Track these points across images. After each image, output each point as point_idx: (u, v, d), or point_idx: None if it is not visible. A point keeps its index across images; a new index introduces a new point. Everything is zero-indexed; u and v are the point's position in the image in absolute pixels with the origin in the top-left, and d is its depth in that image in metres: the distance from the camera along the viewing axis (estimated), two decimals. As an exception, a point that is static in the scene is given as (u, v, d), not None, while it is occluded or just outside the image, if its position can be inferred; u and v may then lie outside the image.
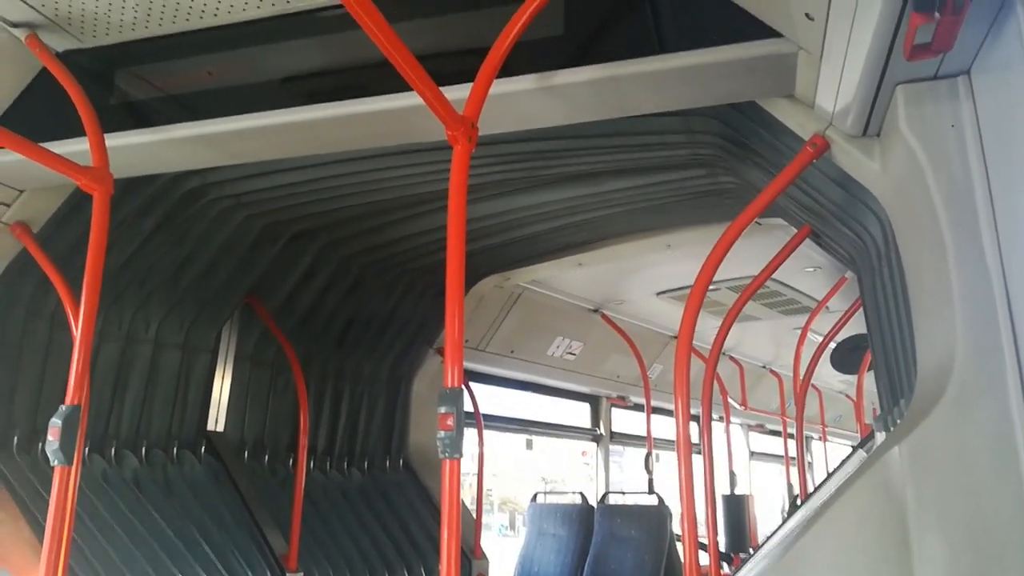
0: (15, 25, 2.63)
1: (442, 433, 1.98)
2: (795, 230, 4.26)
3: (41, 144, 2.57)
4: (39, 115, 2.81)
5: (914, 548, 1.69)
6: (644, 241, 4.52)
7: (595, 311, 6.25)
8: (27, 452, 3.24)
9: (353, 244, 4.25)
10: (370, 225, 4.07)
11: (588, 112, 2.45)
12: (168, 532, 3.44)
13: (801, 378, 6.12)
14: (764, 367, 9.20)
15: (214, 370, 4.11)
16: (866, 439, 2.95)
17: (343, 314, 4.58)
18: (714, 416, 9.71)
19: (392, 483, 4.96)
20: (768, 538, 3.39)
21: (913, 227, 1.98)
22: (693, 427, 9.34)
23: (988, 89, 1.77)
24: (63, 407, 2.48)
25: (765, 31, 2.04)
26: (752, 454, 10.37)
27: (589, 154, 3.32)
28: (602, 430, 7.53)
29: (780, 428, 10.27)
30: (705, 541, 3.12)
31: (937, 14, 1.46)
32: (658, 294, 5.90)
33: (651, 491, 6.12)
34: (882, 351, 2.60)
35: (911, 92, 1.86)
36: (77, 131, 2.60)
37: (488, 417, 5.97)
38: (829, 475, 3.05)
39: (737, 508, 6.99)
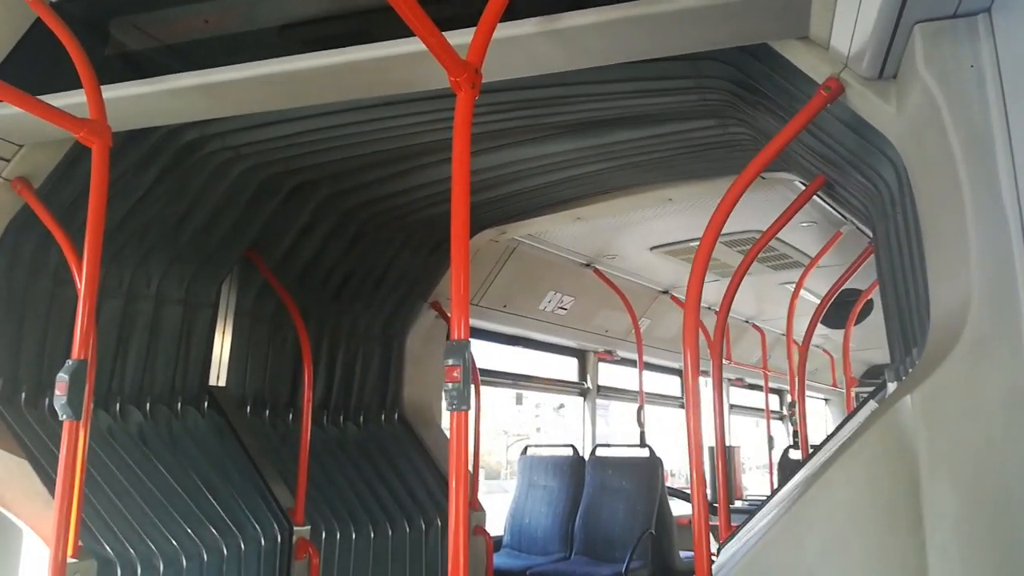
0: None
1: (449, 385, 1.94)
2: (800, 184, 4.25)
3: (38, 97, 2.51)
4: (35, 67, 2.76)
5: (925, 497, 1.70)
6: (645, 195, 4.47)
7: (587, 265, 6.23)
8: (35, 407, 3.22)
9: (353, 196, 4.18)
10: (371, 177, 4.00)
11: (594, 57, 2.40)
12: (176, 486, 3.44)
13: (793, 335, 6.19)
14: (747, 321, 9.29)
15: (215, 325, 4.07)
16: (879, 388, 2.97)
17: (341, 268, 4.53)
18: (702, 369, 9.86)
19: (388, 437, 4.95)
20: (777, 488, 3.44)
21: (929, 172, 1.95)
22: (677, 381, 9.45)
23: (1009, 28, 1.74)
24: (70, 362, 2.48)
25: None
26: (731, 407, 10.57)
27: (594, 101, 3.24)
28: (589, 384, 7.58)
29: (760, 382, 10.47)
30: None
31: None
32: (652, 248, 5.90)
33: (643, 444, 6.20)
34: (895, 300, 2.59)
35: (929, 31, 1.82)
36: (74, 83, 2.54)
37: (480, 371, 5.98)
38: (840, 424, 3.07)
39: (724, 459, 7.12)
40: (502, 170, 3.99)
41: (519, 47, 2.30)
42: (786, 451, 6.44)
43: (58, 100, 2.59)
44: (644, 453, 5.87)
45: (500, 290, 5.71)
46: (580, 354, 7.55)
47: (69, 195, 3.15)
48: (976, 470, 1.68)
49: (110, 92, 2.59)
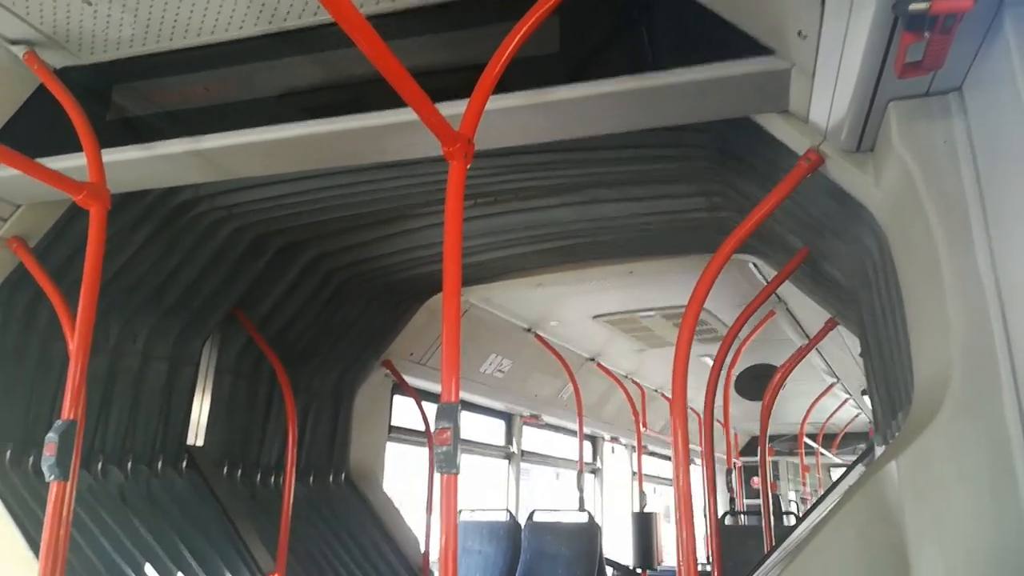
0: (13, 42, 2.63)
1: (441, 449, 1.94)
2: (751, 267, 4.55)
3: (39, 159, 2.56)
4: (37, 131, 2.78)
5: (912, 563, 1.69)
6: (609, 267, 4.66)
7: (529, 331, 6.35)
8: (18, 466, 3.08)
9: (336, 257, 4.19)
10: (355, 239, 4.03)
11: (583, 128, 2.48)
12: (155, 547, 3.29)
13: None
14: (656, 391, 9.65)
15: (195, 383, 3.98)
16: (866, 452, 3.17)
17: (314, 326, 4.45)
18: (620, 439, 10.07)
19: (337, 498, 4.81)
20: (769, 553, 3.57)
21: (908, 242, 2.00)
22: (588, 446, 9.59)
23: (980, 105, 1.78)
24: (59, 422, 2.41)
25: (758, 48, 2.08)
26: (634, 474, 10.83)
27: (577, 166, 3.34)
28: (515, 448, 7.61)
29: (667, 451, 10.80)
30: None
31: (927, 33, 1.50)
32: (595, 317, 6.09)
33: (582, 508, 6.25)
34: (880, 364, 2.68)
35: (903, 108, 1.88)
36: (75, 146, 2.59)
37: (411, 431, 5.91)
38: (829, 488, 3.24)
39: (646, 525, 7.28)
40: (475, 239, 4.06)
41: (510, 118, 2.36)
42: (722, 517, 6.68)
43: (58, 162, 2.63)
44: (583, 518, 5.93)
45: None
46: (507, 417, 7.59)
47: (63, 254, 3.13)
48: (962, 537, 1.66)
49: (110, 156, 2.63)
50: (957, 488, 1.68)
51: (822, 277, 3.37)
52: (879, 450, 2.73)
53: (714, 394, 4.29)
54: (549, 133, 2.51)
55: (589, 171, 3.43)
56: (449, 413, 1.94)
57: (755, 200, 2.47)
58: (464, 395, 6.46)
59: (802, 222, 2.92)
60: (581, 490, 6.47)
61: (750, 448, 14.21)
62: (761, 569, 2.97)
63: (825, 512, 2.47)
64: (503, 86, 2.18)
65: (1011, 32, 1.58)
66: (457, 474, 1.96)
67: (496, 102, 2.21)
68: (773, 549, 3.52)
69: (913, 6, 1.43)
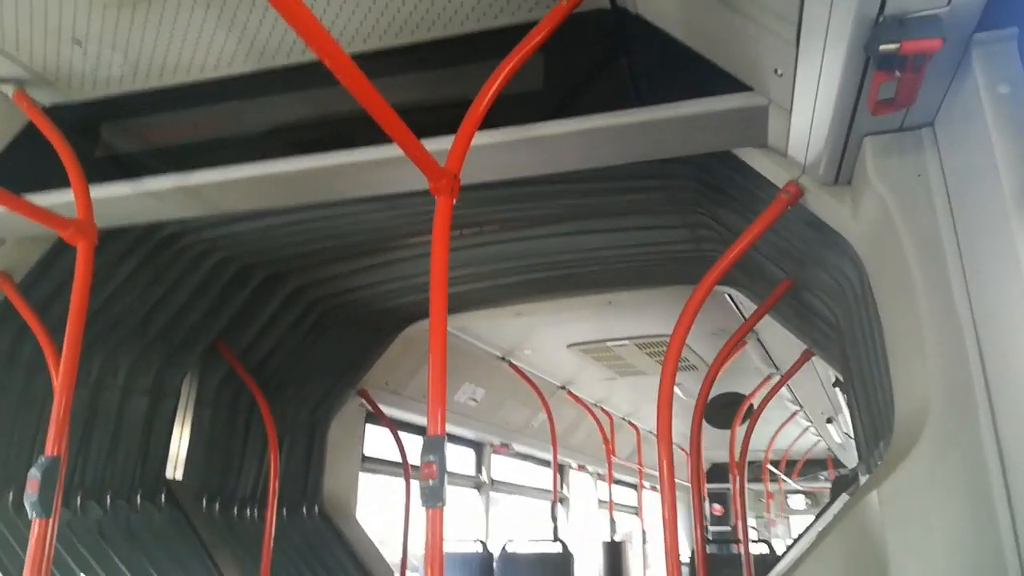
0: (3, 80, 2.65)
1: (428, 483, 1.92)
2: (727, 297, 4.61)
3: (27, 194, 2.58)
4: (25, 167, 2.83)
5: None
6: (589, 297, 4.68)
7: (503, 359, 6.33)
8: None
9: (319, 288, 4.17)
10: (339, 269, 4.02)
11: (567, 163, 2.51)
12: None
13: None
14: (624, 418, 9.68)
15: (175, 416, 3.91)
16: (850, 481, 3.20)
17: (294, 356, 4.41)
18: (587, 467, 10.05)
19: (311, 530, 4.71)
20: None
21: (886, 274, 2.04)
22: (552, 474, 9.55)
23: (951, 140, 1.82)
24: (43, 458, 2.37)
25: (737, 85, 2.13)
26: (602, 503, 10.81)
27: (562, 197, 3.37)
28: (484, 477, 7.55)
29: (631, 479, 10.81)
30: None
31: (898, 72, 1.55)
32: (569, 346, 6.10)
33: (556, 538, 6.22)
34: (864, 393, 2.71)
35: (878, 143, 1.93)
36: (63, 182, 2.60)
37: (383, 462, 5.82)
38: (817, 517, 3.27)
39: (617, 554, 7.27)
40: (457, 269, 4.05)
41: (496, 154, 2.39)
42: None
43: (46, 199, 2.64)
44: (556, 548, 5.89)
45: (423, 380, 5.67)
46: (477, 446, 7.53)
47: (48, 289, 3.11)
48: (942, 566, 1.68)
49: (98, 192, 2.63)
50: (936, 518, 1.70)
51: (803, 308, 3.41)
52: (863, 479, 2.75)
53: (700, 425, 4.33)
54: (534, 168, 2.55)
55: (573, 203, 3.47)
56: (435, 446, 1.92)
57: (737, 232, 2.54)
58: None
59: (784, 253, 2.97)
60: (555, 519, 6.44)
61: (712, 475, 14.33)
62: None
63: (809, 543, 2.48)
64: (488, 122, 2.21)
65: (979, 70, 1.64)
66: (443, 507, 1.93)
67: (482, 138, 2.24)
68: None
69: (883, 47, 1.49)
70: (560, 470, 9.43)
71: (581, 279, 4.31)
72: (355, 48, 2.49)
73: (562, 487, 9.47)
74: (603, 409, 8.70)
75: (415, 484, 5.24)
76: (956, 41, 1.58)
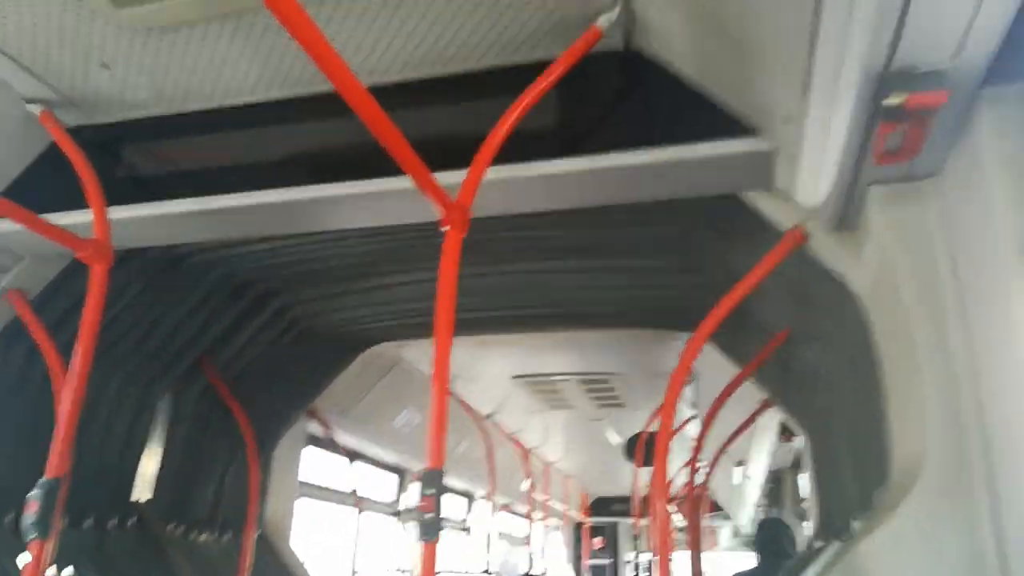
0: (32, 101, 2.71)
1: (425, 516, 1.95)
2: None
3: (46, 214, 2.62)
4: (47, 186, 2.83)
5: None
6: (562, 334, 4.75)
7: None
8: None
9: (303, 307, 4.11)
10: (326, 291, 3.98)
11: (575, 200, 2.56)
12: None
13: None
14: (532, 449, 9.77)
15: (149, 435, 3.76)
16: (843, 528, 3.31)
17: (267, 373, 4.25)
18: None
19: (255, 555, 4.49)
20: None
21: (886, 321, 2.05)
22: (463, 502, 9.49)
23: (956, 192, 1.82)
24: (44, 480, 2.34)
25: (747, 130, 2.18)
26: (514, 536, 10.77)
27: (565, 227, 3.38)
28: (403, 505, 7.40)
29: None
30: None
31: (904, 124, 1.59)
32: (514, 377, 6.15)
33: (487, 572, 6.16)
34: (840, 446, 2.82)
35: (883, 192, 1.94)
36: (83, 203, 2.64)
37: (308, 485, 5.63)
38: (807, 563, 3.41)
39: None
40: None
41: (507, 189, 2.43)
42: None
43: (65, 218, 2.68)
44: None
45: (371, 403, 5.56)
46: (401, 472, 7.38)
47: (61, 308, 3.08)
48: None
49: (116, 213, 2.66)
50: (929, 567, 1.72)
51: (784, 357, 3.52)
52: (855, 525, 2.70)
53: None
54: (543, 204, 2.60)
55: (572, 236, 3.47)
56: (434, 479, 1.94)
57: (736, 276, 2.58)
58: (370, 449, 6.25)
59: (782, 300, 2.99)
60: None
61: (595, 509, 14.67)
62: None
63: None
64: (501, 158, 2.26)
65: (986, 123, 1.68)
66: (437, 541, 1.95)
67: (493, 173, 2.28)
68: None
69: (889, 100, 1.55)
70: (468, 499, 9.37)
71: (565, 315, 4.37)
72: (374, 80, 2.53)
73: (466, 517, 9.41)
74: (516, 440, 8.76)
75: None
76: (962, 95, 1.61)
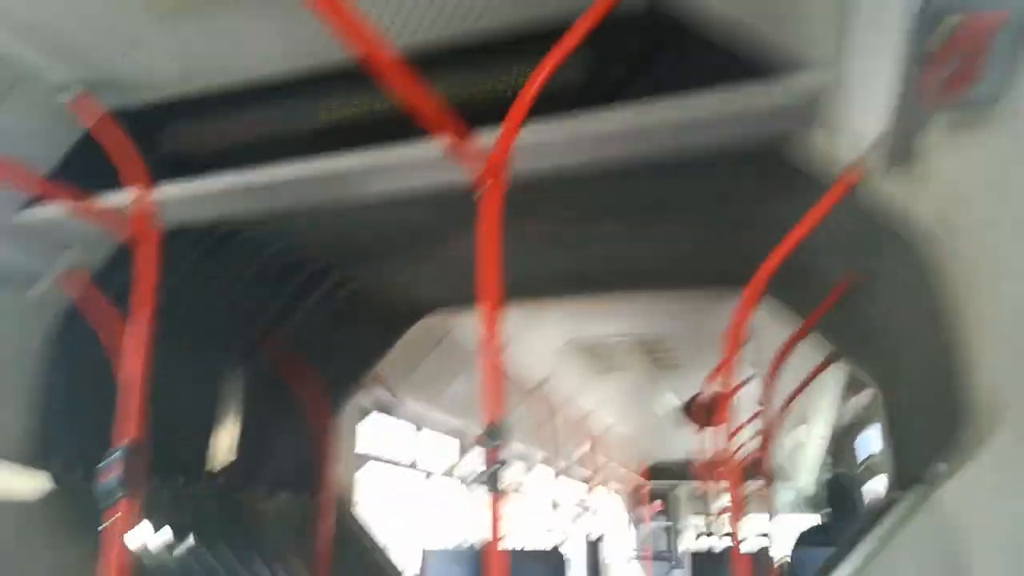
0: (68, 84, 2.74)
1: (492, 467, 1.98)
2: None
3: (91, 196, 2.72)
4: (90, 168, 2.88)
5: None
6: (614, 298, 4.69)
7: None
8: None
9: (356, 281, 4.21)
10: (377, 261, 4.06)
11: (614, 153, 2.49)
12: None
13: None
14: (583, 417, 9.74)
15: (219, 408, 3.97)
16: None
17: (331, 348, 4.43)
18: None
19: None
20: None
21: (959, 257, 1.95)
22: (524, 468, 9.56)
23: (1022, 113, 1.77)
24: (124, 445, 2.47)
25: (790, 68, 2.09)
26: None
27: (599, 190, 3.27)
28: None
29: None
30: None
31: (962, 46, 1.50)
32: (568, 341, 6.11)
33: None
34: (931, 387, 2.65)
35: (945, 121, 1.85)
36: (126, 183, 2.71)
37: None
38: (881, 514, 3.27)
39: (594, 551, 7.33)
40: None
41: (543, 146, 2.37)
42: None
43: (110, 199, 2.76)
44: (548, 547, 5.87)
45: (426, 372, 5.62)
46: (461, 437, 7.43)
47: (118, 285, 3.14)
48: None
49: (159, 193, 2.74)
50: (1018, 506, 1.64)
51: (844, 310, 3.38)
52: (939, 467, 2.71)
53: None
54: (582, 159, 2.53)
55: (614, 195, 3.39)
56: (495, 432, 1.99)
57: (789, 226, 2.49)
58: (432, 415, 6.31)
59: (836, 249, 2.88)
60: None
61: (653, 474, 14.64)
62: None
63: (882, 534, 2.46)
64: (535, 114, 2.19)
65: None
66: (504, 493, 2.00)
67: (528, 130, 2.23)
68: None
69: (946, 20, 1.48)
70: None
71: (620, 276, 4.31)
72: (404, 40, 2.51)
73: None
74: (571, 405, 8.76)
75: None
76: (1023, 12, 1.52)
